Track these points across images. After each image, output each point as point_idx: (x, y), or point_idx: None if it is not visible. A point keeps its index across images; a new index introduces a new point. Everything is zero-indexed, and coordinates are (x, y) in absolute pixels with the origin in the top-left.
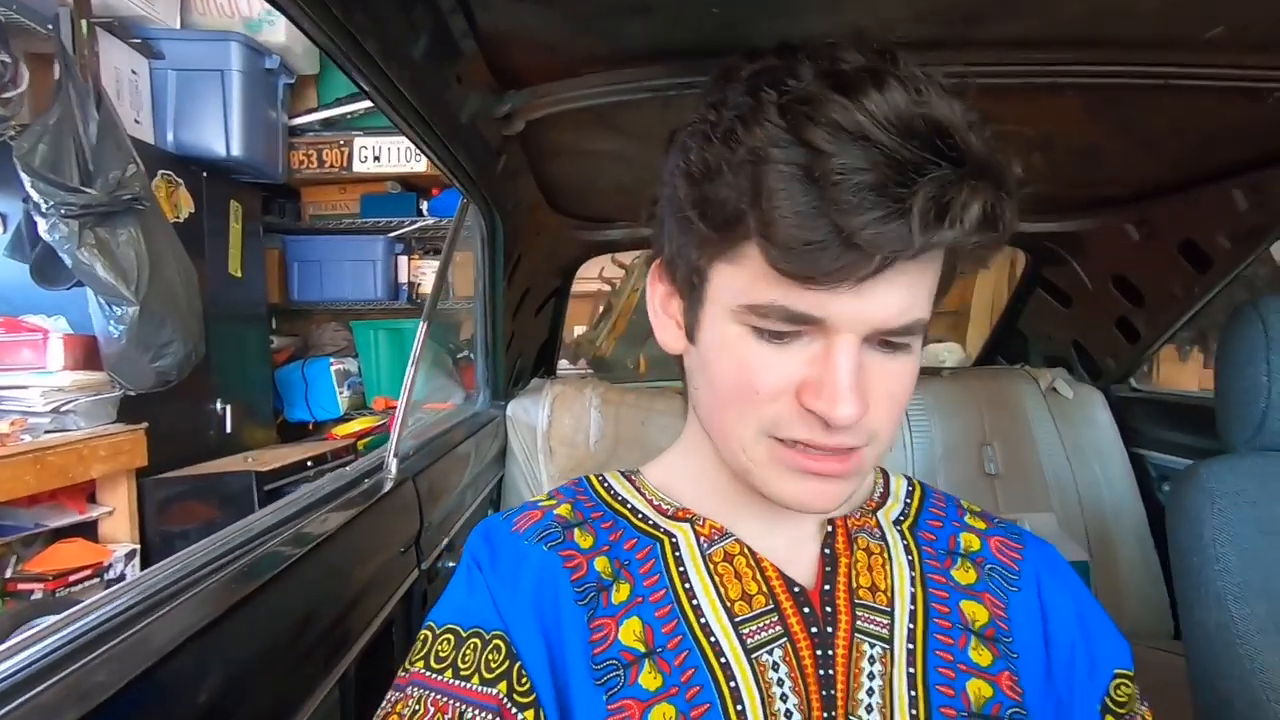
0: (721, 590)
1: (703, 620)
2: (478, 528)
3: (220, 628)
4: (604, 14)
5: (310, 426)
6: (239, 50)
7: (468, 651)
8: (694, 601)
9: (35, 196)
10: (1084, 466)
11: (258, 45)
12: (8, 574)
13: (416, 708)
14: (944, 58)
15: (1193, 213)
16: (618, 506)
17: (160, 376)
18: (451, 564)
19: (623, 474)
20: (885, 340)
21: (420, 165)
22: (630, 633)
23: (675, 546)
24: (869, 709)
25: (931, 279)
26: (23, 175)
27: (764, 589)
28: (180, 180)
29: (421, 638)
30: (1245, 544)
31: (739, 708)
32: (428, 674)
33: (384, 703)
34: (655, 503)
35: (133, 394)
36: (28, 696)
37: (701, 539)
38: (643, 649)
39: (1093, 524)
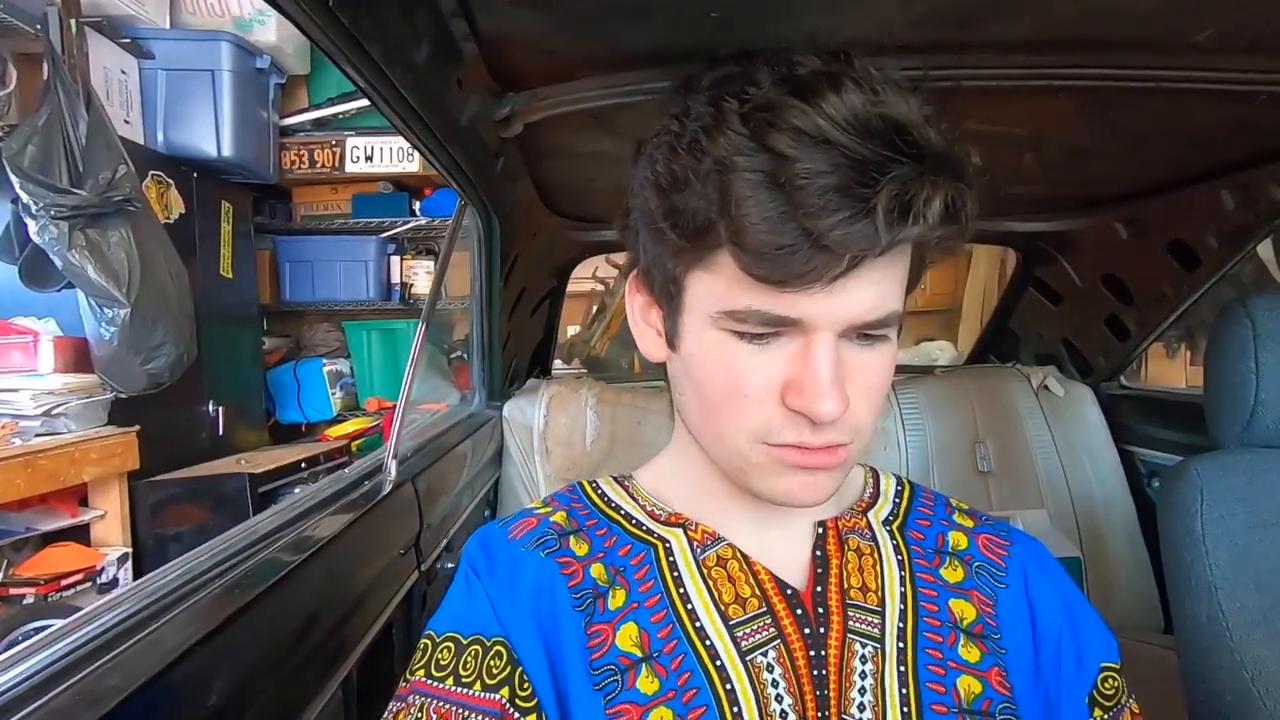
0: (716, 594)
1: (698, 624)
2: (474, 536)
3: (226, 633)
4: (605, 18)
5: (303, 428)
6: (229, 50)
7: (468, 659)
8: (689, 606)
9: (24, 198)
10: (1075, 463)
11: (248, 45)
12: None
13: (419, 716)
14: (938, 60)
15: (1181, 212)
16: (611, 513)
17: (152, 379)
18: (450, 565)
19: (616, 479)
20: (862, 333)
21: (413, 165)
22: (627, 638)
23: (669, 552)
24: (861, 707)
25: (901, 272)
26: (11, 176)
27: (757, 592)
28: (171, 181)
29: (421, 647)
30: (1235, 539)
31: (735, 709)
32: (429, 682)
33: (386, 713)
34: (648, 508)
35: (124, 396)
36: (44, 700)
37: (695, 544)
38: (640, 654)
39: (1084, 520)
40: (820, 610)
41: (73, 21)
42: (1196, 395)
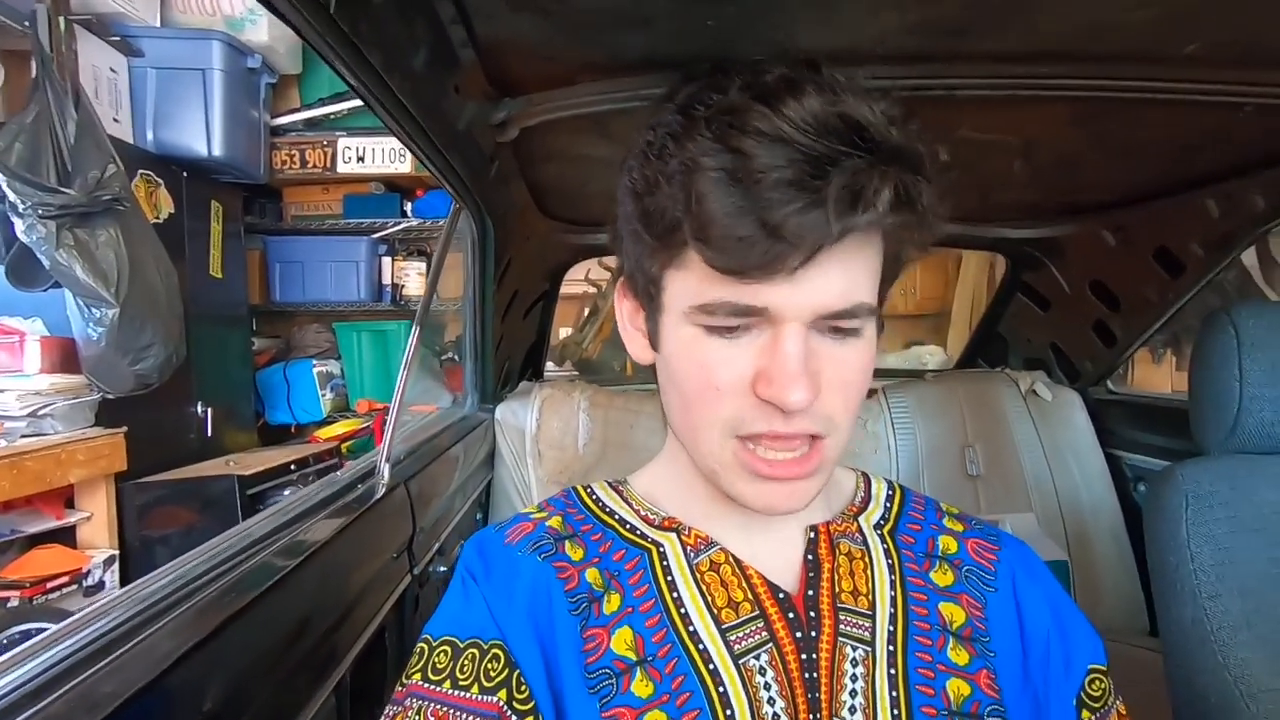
0: (708, 598)
1: (691, 628)
2: (470, 541)
3: (219, 639)
4: (604, 25)
5: (292, 429)
6: (220, 49)
7: (465, 661)
8: (682, 610)
9: (12, 197)
10: (1062, 467)
11: (239, 44)
12: None
13: (416, 719)
14: (932, 69)
15: (1167, 220)
16: (606, 518)
17: (140, 380)
18: (443, 569)
19: (610, 484)
20: (834, 327)
21: (405, 166)
22: (622, 642)
23: (663, 556)
24: (852, 710)
25: (870, 265)
26: None
27: (749, 596)
28: (160, 180)
29: (418, 650)
30: (1219, 543)
31: (728, 712)
32: (426, 685)
33: (382, 718)
34: (642, 513)
35: (111, 397)
36: (38, 708)
37: (688, 548)
38: (634, 658)
39: (1071, 523)
40: (812, 614)
41: (61, 19)
42: (1181, 401)
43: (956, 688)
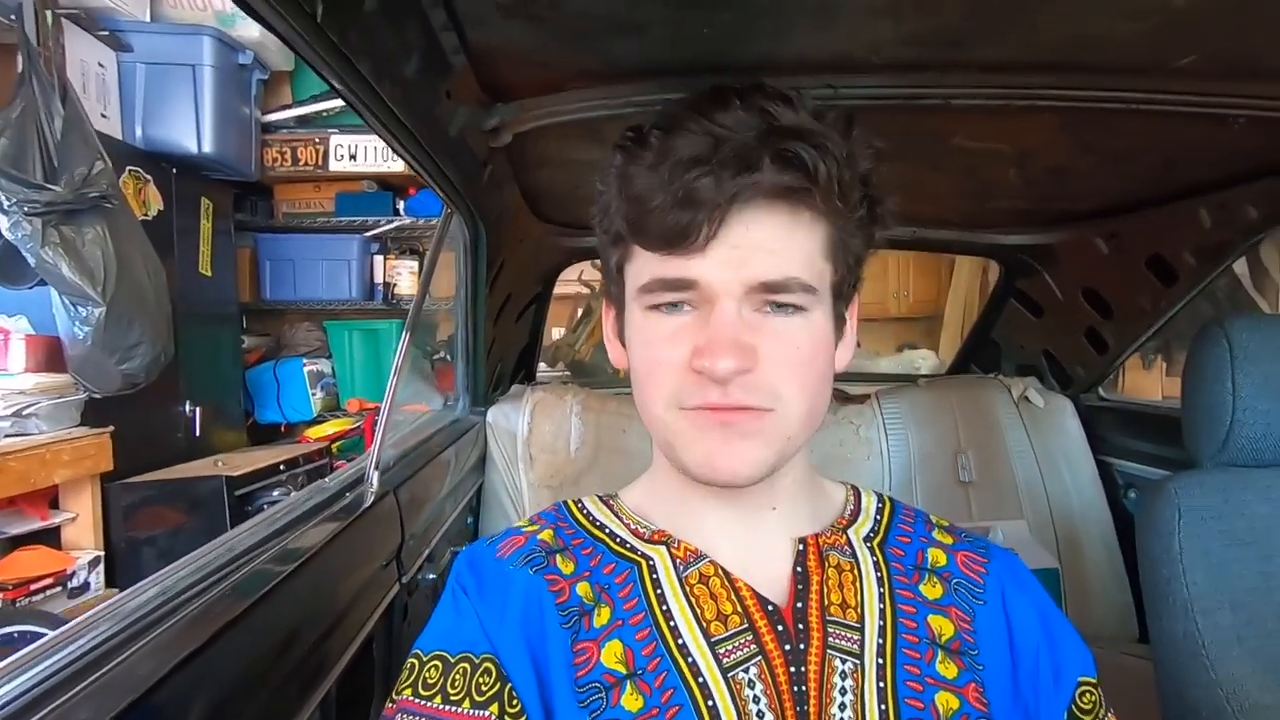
0: (698, 611)
1: (680, 642)
2: (461, 555)
3: (204, 655)
4: (597, 32)
5: (282, 428)
6: (211, 44)
7: (456, 676)
8: (672, 624)
9: None
10: (1054, 474)
11: (230, 40)
12: None
13: None
14: (927, 79)
15: (1160, 229)
16: (596, 531)
17: (127, 379)
18: (432, 576)
19: (600, 498)
20: (772, 301)
21: (397, 164)
22: (612, 655)
23: (653, 569)
24: None
25: (804, 245)
26: None
27: (739, 609)
28: (149, 177)
29: (408, 666)
30: (1212, 557)
31: None
32: (416, 701)
33: None
34: (632, 526)
35: (98, 397)
36: None
37: (677, 561)
38: (624, 671)
39: (1062, 530)
40: (801, 626)
41: (49, 12)
42: (1172, 408)
43: (945, 701)
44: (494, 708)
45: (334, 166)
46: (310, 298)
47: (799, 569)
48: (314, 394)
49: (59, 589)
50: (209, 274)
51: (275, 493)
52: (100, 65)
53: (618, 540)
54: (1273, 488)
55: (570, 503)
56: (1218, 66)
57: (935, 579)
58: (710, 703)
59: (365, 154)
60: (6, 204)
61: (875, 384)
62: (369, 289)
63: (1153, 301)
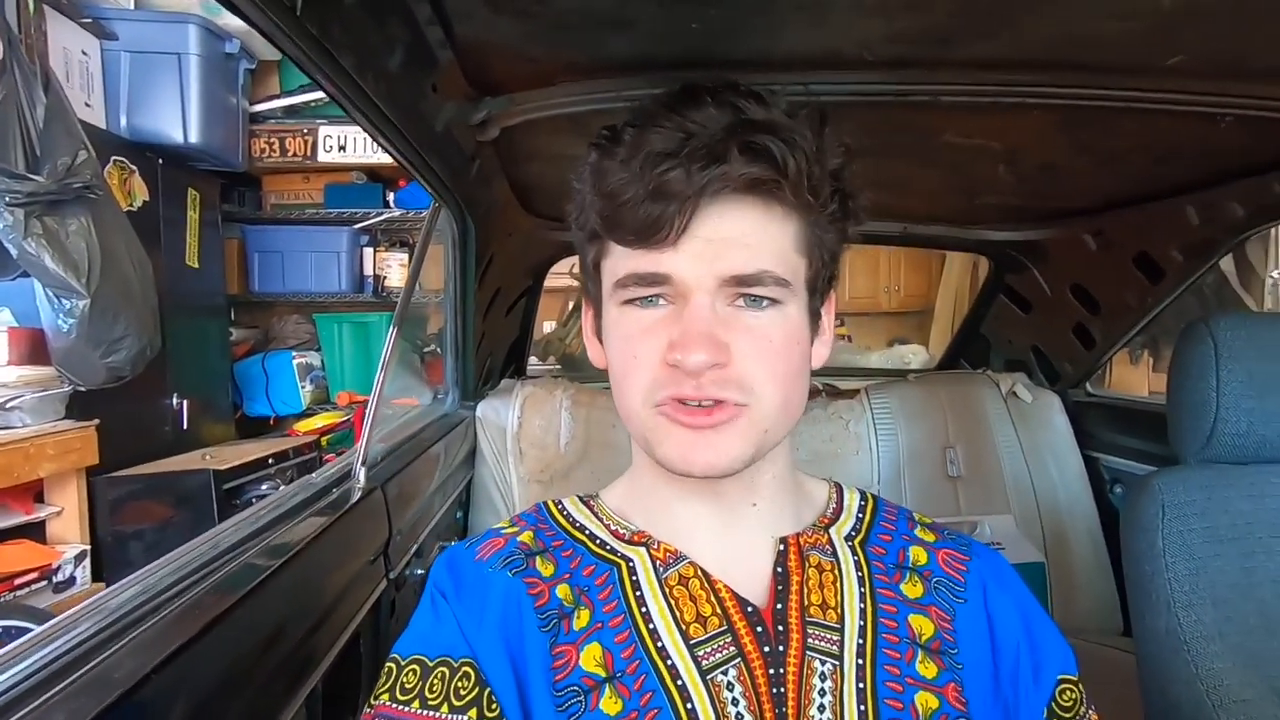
0: (677, 613)
1: (659, 644)
2: (440, 558)
3: (193, 649)
4: (585, 26)
5: (271, 421)
6: (197, 33)
7: (435, 681)
8: (651, 626)
9: None
10: (1041, 469)
11: (216, 29)
12: None
13: None
14: (917, 76)
15: (1147, 226)
16: (576, 533)
17: (113, 372)
18: (420, 571)
19: (581, 499)
20: (745, 294)
21: (387, 156)
22: (591, 658)
23: (632, 571)
24: None
25: (776, 238)
26: None
27: (718, 610)
28: (134, 167)
29: (386, 670)
30: (1194, 553)
31: None
32: (394, 706)
33: None
34: (613, 527)
35: (83, 389)
36: None
37: (657, 562)
38: (603, 674)
39: (1048, 525)
40: (780, 628)
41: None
42: (1157, 404)
43: (924, 701)
44: (472, 712)
45: (323, 157)
46: (299, 290)
47: (779, 569)
48: (303, 387)
49: (44, 584)
50: (196, 266)
51: (264, 486)
52: (84, 53)
53: (597, 541)
54: (1255, 485)
55: (550, 504)
56: (1206, 66)
57: (916, 577)
58: (689, 705)
59: (354, 145)
60: None
61: (865, 379)
62: (359, 281)
63: (1140, 298)
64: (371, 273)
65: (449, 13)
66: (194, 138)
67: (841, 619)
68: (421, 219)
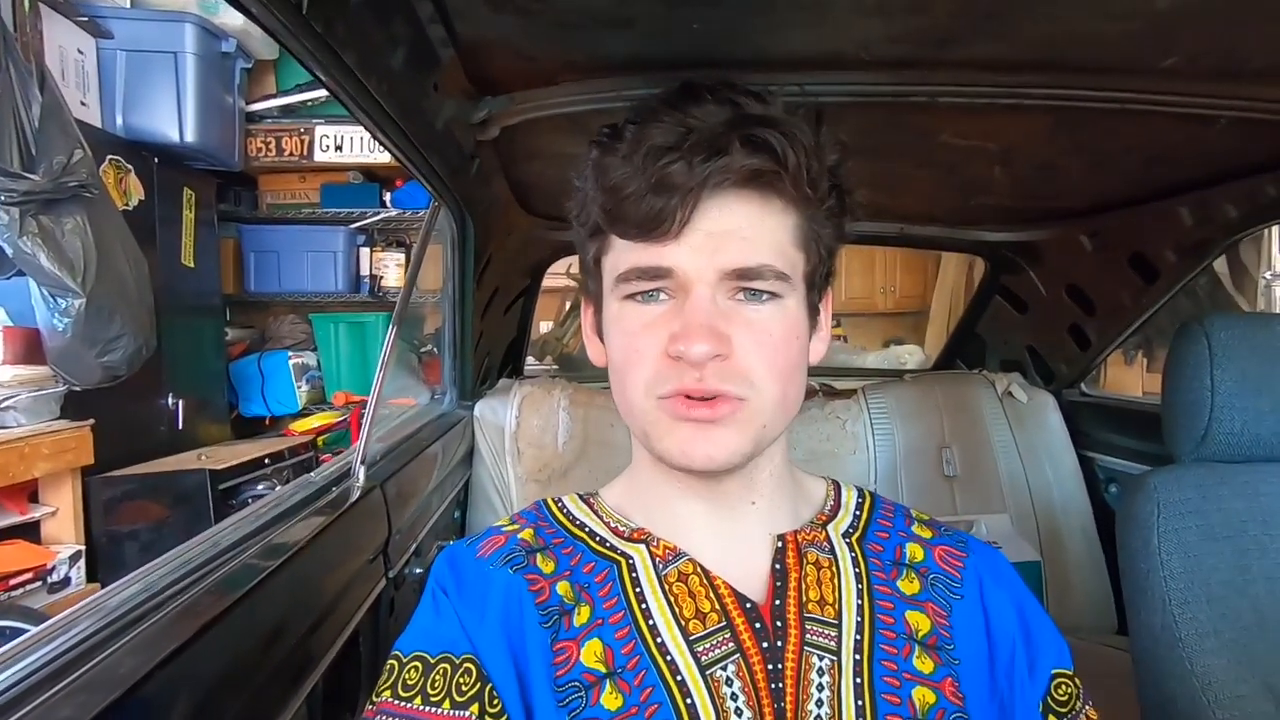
0: (676, 610)
1: (659, 640)
2: (441, 555)
3: (190, 651)
4: (586, 26)
5: (267, 422)
6: (193, 32)
7: (436, 677)
8: (650, 622)
9: None
10: (1036, 468)
11: (213, 27)
12: None
13: None
14: (915, 76)
15: (1142, 227)
16: (576, 531)
17: (108, 371)
18: (419, 570)
19: (581, 497)
20: (745, 288)
21: (384, 155)
22: (591, 654)
23: (632, 568)
24: (818, 719)
25: (774, 233)
26: None
27: (717, 606)
28: (130, 166)
29: (388, 667)
30: (1189, 551)
31: None
32: (396, 702)
33: None
34: (612, 525)
35: (78, 389)
36: None
37: (656, 559)
38: (604, 670)
39: (1044, 524)
40: (778, 623)
41: None
42: (1152, 404)
43: (922, 696)
44: (474, 708)
45: (319, 157)
46: (295, 290)
47: (777, 566)
48: (299, 387)
49: (39, 584)
50: (192, 265)
51: (260, 486)
52: (79, 52)
53: (597, 539)
54: (1249, 483)
55: (550, 501)
56: (1201, 67)
57: (913, 574)
58: (689, 701)
59: (351, 145)
60: None
61: (861, 379)
62: (355, 281)
63: (1134, 299)
64: (368, 273)
65: (451, 11)
66: (190, 137)
67: (839, 615)
68: (418, 219)
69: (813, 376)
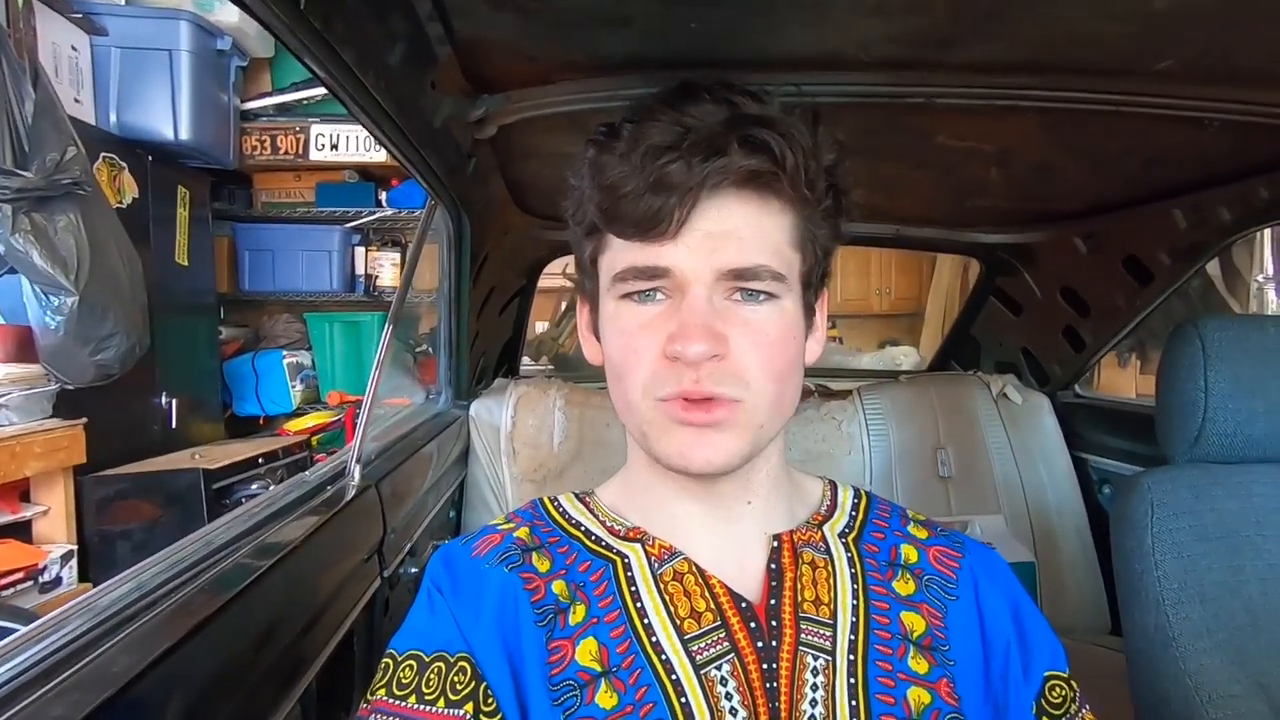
0: (671, 609)
1: (654, 639)
2: (436, 554)
3: (183, 650)
4: (584, 24)
5: (261, 421)
6: (188, 29)
7: (431, 676)
8: (645, 621)
9: None
10: (1031, 470)
11: (208, 25)
12: None
13: None
14: (912, 77)
15: (1137, 229)
16: (572, 529)
17: (101, 370)
18: (414, 570)
19: (576, 496)
20: (742, 288)
21: (379, 154)
22: (586, 653)
23: (628, 567)
24: (813, 719)
25: (771, 233)
26: None
27: (712, 606)
28: (124, 164)
29: (383, 665)
30: (1183, 551)
31: None
32: (390, 701)
33: None
34: (608, 524)
35: (71, 388)
36: None
37: (652, 558)
38: (599, 669)
39: (1038, 525)
40: (773, 623)
41: None
42: (1145, 406)
43: (917, 696)
44: (469, 706)
45: (315, 156)
46: (290, 289)
47: (773, 565)
48: (294, 386)
49: (30, 584)
50: (186, 264)
51: (254, 486)
52: (73, 48)
53: (593, 538)
54: (1242, 484)
55: (546, 500)
56: (1196, 70)
57: (908, 574)
58: (684, 700)
59: (347, 143)
60: None
61: (857, 380)
62: (350, 281)
63: (1129, 301)
64: (363, 272)
65: (449, 9)
66: (185, 135)
67: (834, 615)
68: (414, 218)
69: (808, 377)
